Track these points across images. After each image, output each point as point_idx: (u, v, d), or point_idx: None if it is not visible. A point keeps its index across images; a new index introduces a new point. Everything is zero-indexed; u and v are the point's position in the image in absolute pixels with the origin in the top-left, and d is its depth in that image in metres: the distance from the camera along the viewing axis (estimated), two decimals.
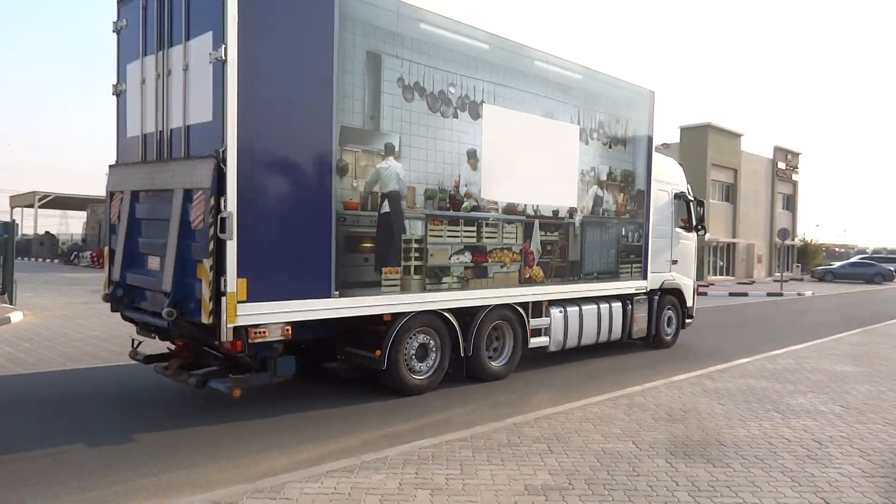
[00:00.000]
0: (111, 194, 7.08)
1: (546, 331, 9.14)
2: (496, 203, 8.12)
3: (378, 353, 7.16)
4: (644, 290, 10.82)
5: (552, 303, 9.17)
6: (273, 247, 5.97)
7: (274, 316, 6.02)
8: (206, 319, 5.68)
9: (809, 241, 56.00)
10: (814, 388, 8.54)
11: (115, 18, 7.03)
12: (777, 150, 46.38)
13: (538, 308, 8.97)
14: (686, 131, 39.51)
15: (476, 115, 7.81)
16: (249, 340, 6.00)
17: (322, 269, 6.35)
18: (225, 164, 5.54)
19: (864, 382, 8.97)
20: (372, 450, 5.76)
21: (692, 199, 12.19)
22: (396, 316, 7.20)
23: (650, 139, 10.63)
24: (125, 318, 7.09)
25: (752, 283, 37.55)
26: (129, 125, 6.99)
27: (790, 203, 49.45)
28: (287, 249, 6.06)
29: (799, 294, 29.02)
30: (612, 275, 10.05)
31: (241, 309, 5.76)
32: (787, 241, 41.02)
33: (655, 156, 10.84)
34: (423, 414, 7.02)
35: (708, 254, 38.83)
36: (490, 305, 8.18)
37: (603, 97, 9.63)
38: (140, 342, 7.45)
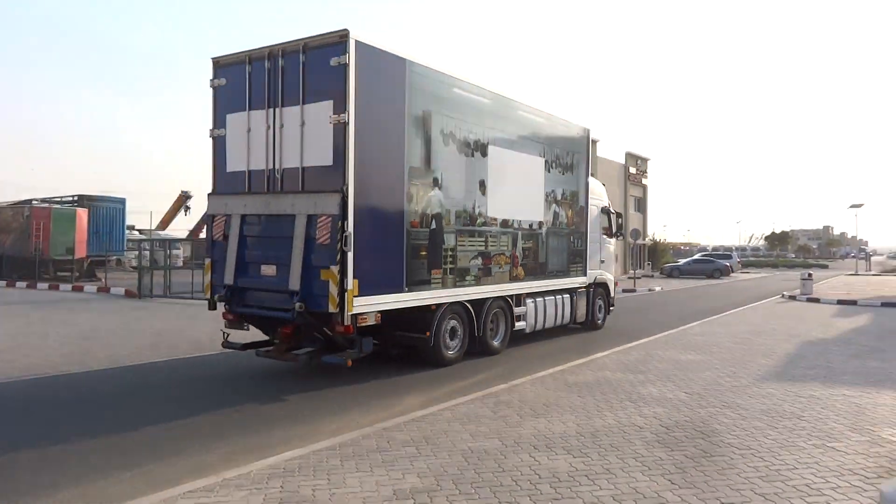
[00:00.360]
0: (212, 217, 8.83)
1: (524, 317, 11.75)
2: (496, 219, 10.65)
3: (428, 333, 9.41)
4: (584, 285, 13.76)
5: (527, 295, 11.81)
6: (372, 256, 8.06)
7: (372, 306, 8.16)
8: (333, 309, 7.64)
9: (658, 241, 60.48)
10: (662, 377, 9.20)
11: (211, 77, 8.91)
12: (628, 155, 49.68)
13: (518, 299, 11.55)
14: None
15: (484, 153, 10.37)
16: (357, 325, 8.01)
17: (399, 272, 8.61)
18: (347, 197, 7.58)
19: (705, 370, 9.79)
20: (235, 465, 5.52)
21: (612, 211, 15.10)
22: (439, 306, 9.49)
23: (587, 165, 13.51)
24: (233, 313, 8.76)
25: None
26: (229, 162, 8.75)
27: (641, 205, 53.12)
28: (380, 257, 8.23)
29: (650, 290, 31.21)
30: (565, 273, 12.90)
31: (356, 302, 7.82)
32: (639, 241, 44.01)
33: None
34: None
35: None
36: (492, 297, 10.65)
37: (558, 135, 12.51)
38: (229, 333, 9.23)
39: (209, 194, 8.93)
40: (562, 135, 12.60)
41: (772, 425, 6.73)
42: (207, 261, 8.92)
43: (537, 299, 12.12)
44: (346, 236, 7.68)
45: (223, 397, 8.03)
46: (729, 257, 51.58)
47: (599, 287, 14.59)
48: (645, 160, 52.44)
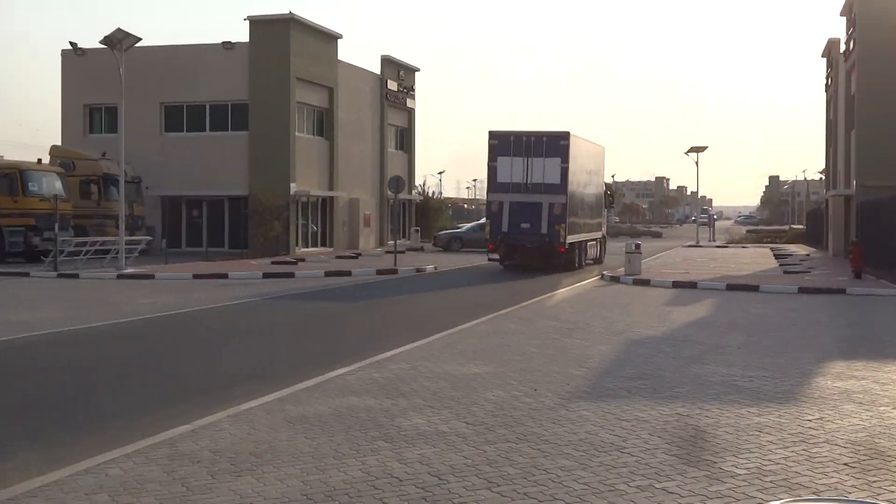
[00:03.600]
0: (490, 202, 34.39)
1: (587, 250, 37.45)
2: (581, 193, 37.31)
3: (574, 255, 35.07)
4: (601, 237, 40.74)
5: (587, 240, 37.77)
6: (570, 219, 34.02)
7: (570, 239, 33.74)
8: (561, 240, 32.91)
9: (431, 196, 63.01)
10: (433, 400, 9.65)
11: (488, 139, 34.30)
12: (386, 62, 50.93)
13: (584, 243, 37.11)
14: (258, 26, 40.87)
15: (585, 171, 38.91)
16: (566, 247, 33.71)
17: (576, 226, 35.56)
18: (566, 196, 33.21)
19: (495, 386, 10.44)
20: None
21: (607, 190, 43.63)
22: (578, 241, 35.64)
23: (602, 171, 41.77)
24: (506, 242, 33.62)
25: (358, 255, 40.84)
26: (498, 178, 33.61)
27: (405, 139, 54.84)
28: (573, 220, 34.76)
29: (419, 269, 32.51)
30: (596, 229, 39.57)
31: (568, 238, 33.52)
32: (403, 195, 45.48)
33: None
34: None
35: (295, 215, 40.98)
36: (584, 240, 36.61)
37: (594, 153, 39.38)
38: (489, 258, 34.78)
39: (488, 192, 34.44)
40: (595, 152, 38.79)
41: (584, 463, 7.38)
42: (487, 221, 34.63)
43: (588, 243, 37.20)
44: (565, 211, 32.63)
45: None
46: None
47: (602, 239, 40.53)
48: (412, 71, 54.17)
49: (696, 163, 62.02)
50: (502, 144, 33.18)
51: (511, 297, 22.54)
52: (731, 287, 25.04)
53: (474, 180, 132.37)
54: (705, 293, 23.90)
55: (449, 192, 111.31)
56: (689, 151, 61.22)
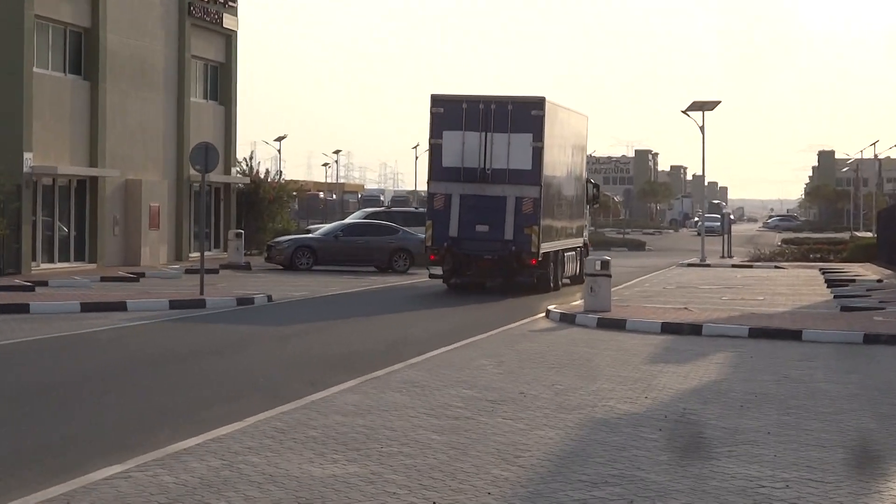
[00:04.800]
0: (432, 195, 45.09)
1: (565, 264, 50.25)
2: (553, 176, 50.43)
3: (549, 270, 46.90)
4: (581, 246, 54.02)
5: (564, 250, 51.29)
6: (549, 220, 47.12)
7: (544, 248, 45.45)
8: (534, 250, 43.95)
9: (265, 177, 62.61)
10: None
11: (430, 106, 45.16)
12: None
13: (562, 254, 50.11)
14: None
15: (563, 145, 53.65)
16: (538, 259, 45.59)
17: (552, 230, 48.80)
18: (540, 188, 44.28)
19: (366, 497, 10.40)
20: None
21: (589, 180, 55.94)
22: (555, 251, 48.39)
23: (585, 152, 56.39)
24: (455, 252, 43.35)
25: (139, 277, 40.51)
26: (444, 161, 44.07)
27: (221, 83, 54.55)
28: (549, 222, 47.06)
29: (242, 302, 32.39)
30: (576, 234, 54.32)
31: (542, 247, 45.50)
32: (216, 176, 45.09)
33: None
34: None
35: (32, 208, 40.40)
36: (562, 249, 49.35)
37: (574, 129, 51.59)
38: (431, 273, 47.82)
39: (429, 180, 44.07)
40: (576, 126, 50.63)
41: None
42: (429, 221, 43.47)
43: (566, 253, 49.66)
44: (539, 209, 42.76)
45: None
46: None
47: (585, 247, 54.01)
48: None
49: (702, 128, 63.12)
50: (450, 114, 39.41)
51: (399, 345, 22.66)
52: (757, 333, 25.58)
53: (337, 153, 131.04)
54: (715, 343, 24.34)
55: (295, 172, 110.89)
56: (689, 110, 62.15)
